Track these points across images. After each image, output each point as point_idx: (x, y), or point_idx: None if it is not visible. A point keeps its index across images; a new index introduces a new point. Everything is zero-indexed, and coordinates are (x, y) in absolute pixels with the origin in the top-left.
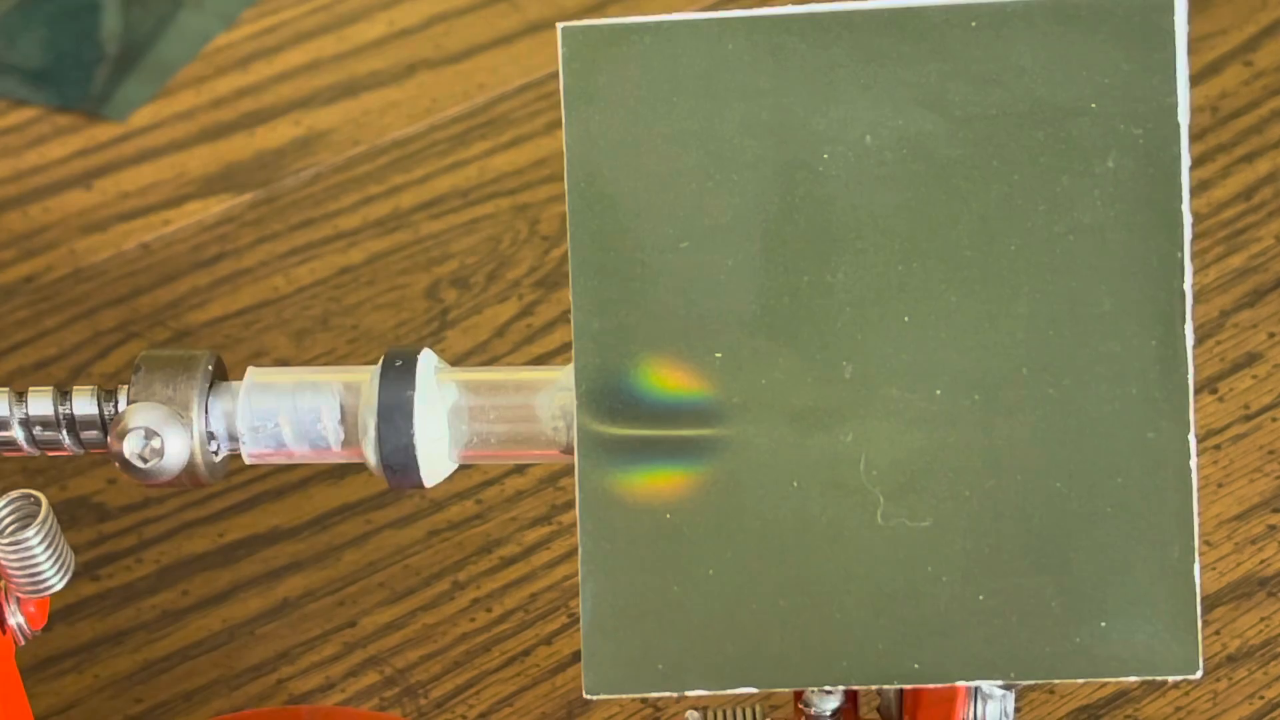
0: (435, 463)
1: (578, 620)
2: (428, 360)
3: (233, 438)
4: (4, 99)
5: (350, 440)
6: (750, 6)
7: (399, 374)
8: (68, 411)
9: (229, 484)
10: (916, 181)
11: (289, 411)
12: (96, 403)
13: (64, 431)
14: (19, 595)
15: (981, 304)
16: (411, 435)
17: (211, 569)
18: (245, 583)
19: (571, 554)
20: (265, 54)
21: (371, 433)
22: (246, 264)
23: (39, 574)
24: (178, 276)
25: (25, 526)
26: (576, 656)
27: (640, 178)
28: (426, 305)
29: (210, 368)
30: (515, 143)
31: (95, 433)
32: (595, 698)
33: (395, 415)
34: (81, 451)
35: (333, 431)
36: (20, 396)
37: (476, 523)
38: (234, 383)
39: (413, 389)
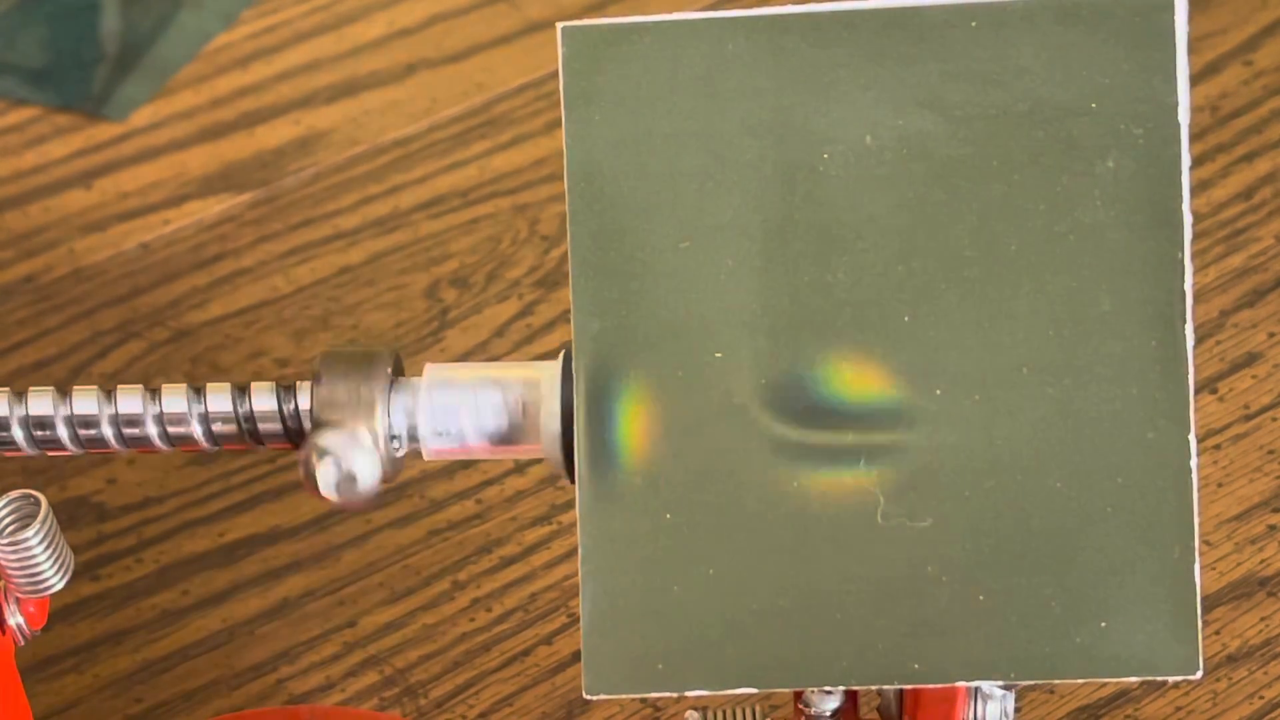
0: None
1: (578, 620)
2: None
3: (413, 436)
4: (4, 99)
5: (531, 437)
6: (750, 6)
7: None
8: (248, 409)
9: (229, 484)
10: (916, 181)
11: (470, 408)
12: (277, 399)
13: (242, 426)
14: (19, 595)
15: (981, 304)
16: None
17: (211, 569)
18: (245, 583)
19: (571, 554)
20: (265, 54)
21: (555, 430)
22: (246, 264)
23: (39, 574)
24: (178, 276)
25: (25, 526)
26: (576, 656)
27: (640, 178)
28: (426, 305)
29: (390, 366)
30: (515, 143)
31: (275, 425)
32: (595, 698)
33: None
34: (262, 447)
35: (514, 428)
36: (199, 392)
37: (476, 523)
38: (413, 379)
39: None
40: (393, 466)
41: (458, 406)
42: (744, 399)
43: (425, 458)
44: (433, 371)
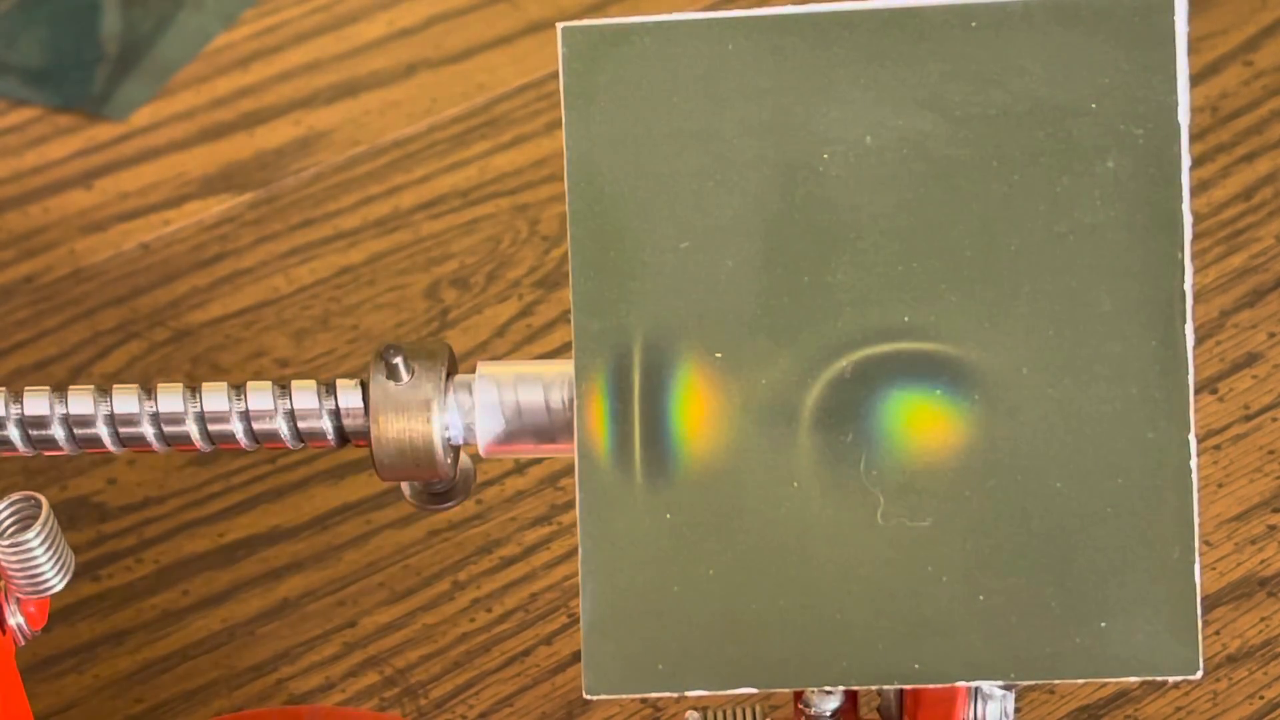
0: None
1: (578, 620)
2: None
3: (468, 432)
4: (4, 99)
5: None
6: (750, 6)
7: None
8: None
9: (229, 484)
10: (917, 181)
11: (523, 404)
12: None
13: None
14: (19, 596)
15: (981, 304)
16: None
17: (211, 569)
18: (245, 583)
19: (571, 554)
20: (265, 54)
21: None
22: (246, 264)
23: (39, 575)
24: (178, 276)
25: (26, 528)
26: (576, 656)
27: (640, 178)
28: (426, 305)
29: (446, 363)
30: (515, 143)
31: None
32: (595, 698)
33: None
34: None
35: (568, 423)
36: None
37: (476, 523)
38: (466, 376)
39: None
40: (450, 465)
41: (510, 403)
42: (744, 399)
43: (481, 454)
44: (483, 369)
